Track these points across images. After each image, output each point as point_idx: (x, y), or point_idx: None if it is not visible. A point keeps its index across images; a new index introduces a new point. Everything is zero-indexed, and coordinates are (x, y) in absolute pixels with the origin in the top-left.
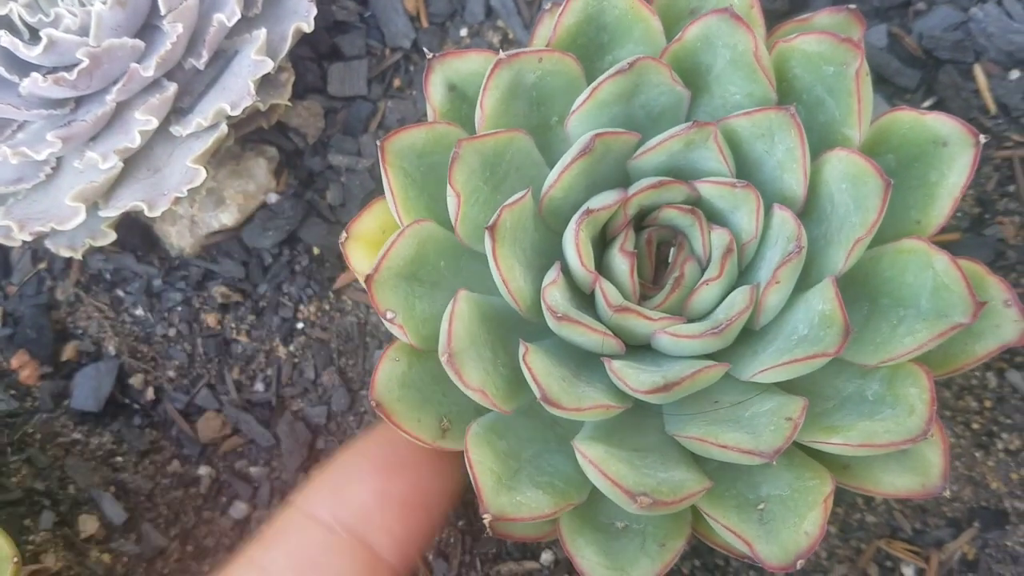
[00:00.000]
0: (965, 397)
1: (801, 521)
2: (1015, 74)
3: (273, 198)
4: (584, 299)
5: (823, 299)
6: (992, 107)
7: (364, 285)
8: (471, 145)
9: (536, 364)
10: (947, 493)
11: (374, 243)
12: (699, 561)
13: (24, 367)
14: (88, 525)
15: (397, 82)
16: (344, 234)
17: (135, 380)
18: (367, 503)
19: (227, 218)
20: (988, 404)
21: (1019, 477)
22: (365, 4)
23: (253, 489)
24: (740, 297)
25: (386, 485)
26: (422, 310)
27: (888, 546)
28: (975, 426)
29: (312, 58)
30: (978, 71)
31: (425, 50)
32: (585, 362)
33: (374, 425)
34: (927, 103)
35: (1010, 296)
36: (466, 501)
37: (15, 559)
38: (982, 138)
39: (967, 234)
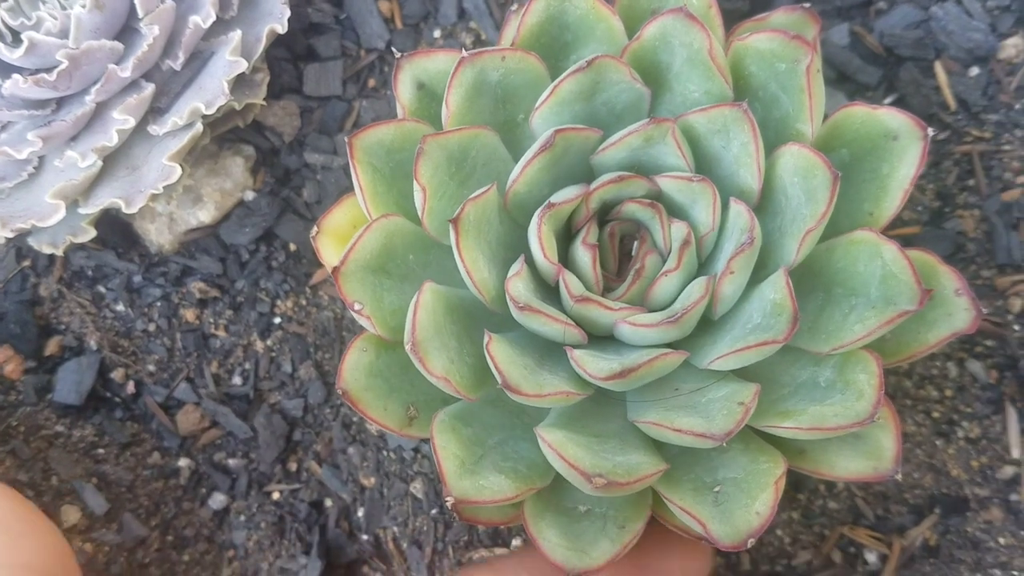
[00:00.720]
0: (926, 386)
1: (752, 502)
2: (974, 71)
3: (250, 196)
4: (549, 291)
5: (775, 289)
6: (952, 103)
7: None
8: (436, 141)
9: (499, 352)
10: (899, 477)
11: (345, 237)
12: None
13: (8, 361)
14: (70, 515)
15: (372, 82)
16: (315, 228)
17: (116, 374)
18: None
19: (205, 215)
20: (949, 393)
21: (979, 464)
22: (340, 6)
23: (231, 480)
24: (697, 287)
25: None
26: (390, 302)
27: (851, 532)
28: (936, 415)
29: (288, 59)
30: (938, 68)
31: (394, 50)
32: (549, 352)
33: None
34: (888, 100)
35: (961, 285)
36: (438, 490)
37: None
38: (930, 131)
39: (927, 227)
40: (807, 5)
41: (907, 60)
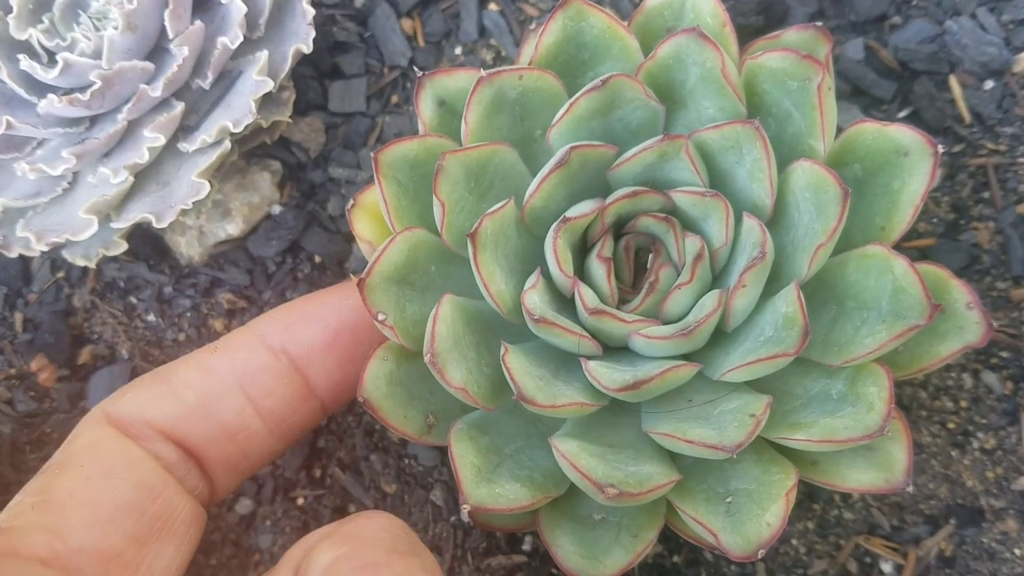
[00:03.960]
0: (941, 397)
1: (764, 513)
2: (989, 84)
3: (277, 209)
4: (565, 302)
5: (787, 302)
6: (967, 116)
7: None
8: (455, 157)
9: (514, 364)
10: (910, 489)
11: (377, 214)
12: (679, 557)
13: (43, 370)
14: None
15: (395, 99)
16: (351, 201)
17: None
18: (316, 343)
19: (233, 228)
20: (964, 404)
21: (995, 475)
22: (364, 25)
23: (258, 487)
24: (709, 301)
25: (337, 334)
26: (413, 312)
27: (866, 542)
28: (951, 426)
29: (314, 76)
30: (953, 82)
31: (415, 68)
32: (565, 362)
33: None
34: (903, 113)
35: (972, 299)
36: (457, 498)
37: None
38: (940, 147)
39: (943, 239)
40: (819, 24)
41: (922, 74)
